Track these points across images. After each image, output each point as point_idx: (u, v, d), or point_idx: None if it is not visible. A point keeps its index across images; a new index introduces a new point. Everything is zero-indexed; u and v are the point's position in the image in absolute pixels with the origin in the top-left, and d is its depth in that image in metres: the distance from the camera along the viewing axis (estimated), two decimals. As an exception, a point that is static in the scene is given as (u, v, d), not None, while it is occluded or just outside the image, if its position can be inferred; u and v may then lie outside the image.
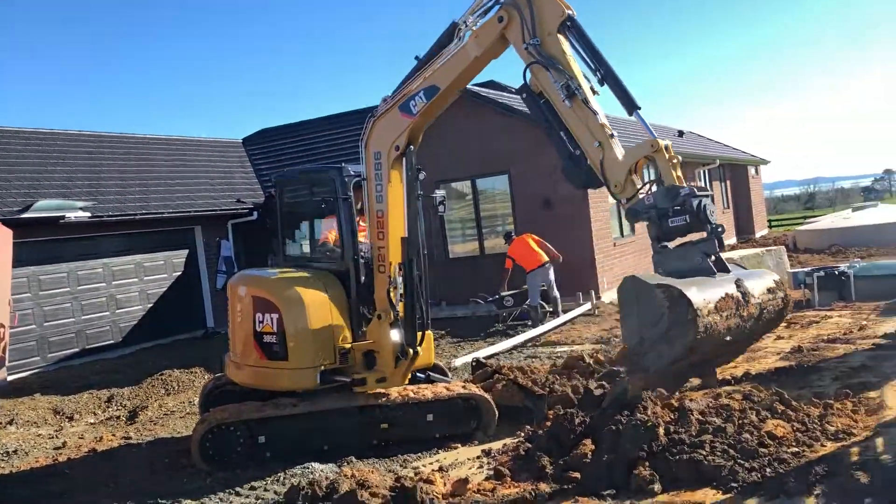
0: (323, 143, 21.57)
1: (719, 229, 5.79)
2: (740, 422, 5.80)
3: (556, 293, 13.92)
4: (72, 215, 14.17)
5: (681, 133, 21.88)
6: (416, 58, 7.12)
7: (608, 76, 6.14)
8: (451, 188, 17.05)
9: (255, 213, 17.95)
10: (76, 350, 14.79)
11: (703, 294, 5.51)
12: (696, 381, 8.21)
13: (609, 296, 15.80)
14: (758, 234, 30.33)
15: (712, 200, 5.95)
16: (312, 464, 6.65)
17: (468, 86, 16.64)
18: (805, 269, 13.81)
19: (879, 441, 5.58)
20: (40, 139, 17.98)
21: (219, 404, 7.43)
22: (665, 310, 5.16)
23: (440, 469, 6.40)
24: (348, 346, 7.12)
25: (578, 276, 15.23)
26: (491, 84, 20.26)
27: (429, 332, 7.57)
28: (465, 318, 15.09)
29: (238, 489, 6.27)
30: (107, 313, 15.51)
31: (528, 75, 6.37)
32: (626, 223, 17.95)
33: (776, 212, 61.17)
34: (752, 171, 31.70)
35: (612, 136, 6.09)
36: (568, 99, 6.12)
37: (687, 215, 5.64)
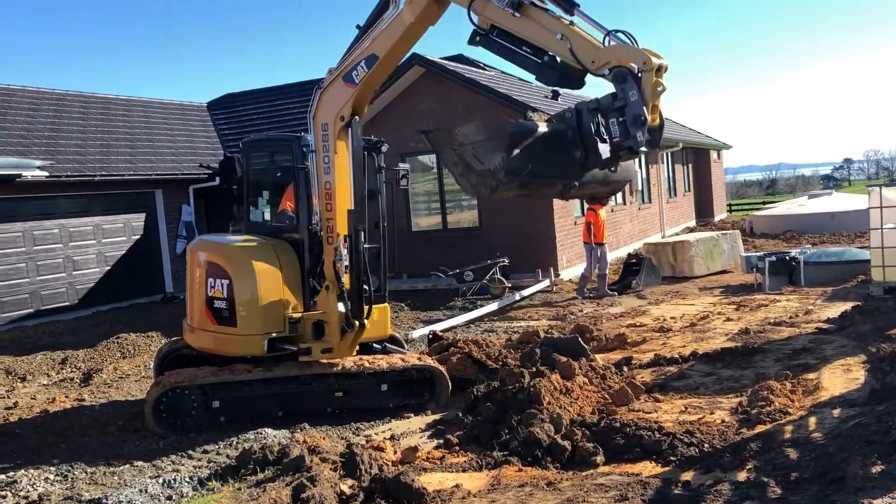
0: (288, 111, 21.38)
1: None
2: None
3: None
4: (28, 174, 13.90)
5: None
6: (358, 26, 6.97)
7: None
8: (417, 161, 17.06)
9: (217, 178, 17.80)
10: (30, 311, 14.60)
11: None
12: (645, 359, 8.48)
13: (568, 273, 16.05)
14: (717, 218, 30.86)
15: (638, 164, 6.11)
16: (266, 429, 6.73)
17: (436, 59, 16.73)
18: (757, 254, 14.17)
19: (812, 420, 5.84)
20: (-3, 95, 17.55)
21: (174, 368, 7.46)
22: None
23: (391, 437, 6.53)
24: (298, 315, 7.17)
25: (538, 253, 15.43)
26: (460, 58, 20.22)
27: (385, 305, 7.68)
28: (425, 291, 15.20)
29: (191, 452, 6.33)
30: (63, 275, 15.31)
31: (475, 18, 6.02)
32: (587, 203, 18.14)
33: (738, 196, 62.20)
34: (714, 155, 32.15)
35: (571, 23, 5.66)
36: (517, 10, 5.75)
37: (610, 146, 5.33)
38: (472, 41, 6.22)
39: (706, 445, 5.45)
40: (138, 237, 17.03)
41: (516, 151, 5.40)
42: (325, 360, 7.21)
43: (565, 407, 6.24)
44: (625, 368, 8.00)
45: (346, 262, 7.00)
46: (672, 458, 5.31)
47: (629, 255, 15.83)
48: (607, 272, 14.14)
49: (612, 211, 19.65)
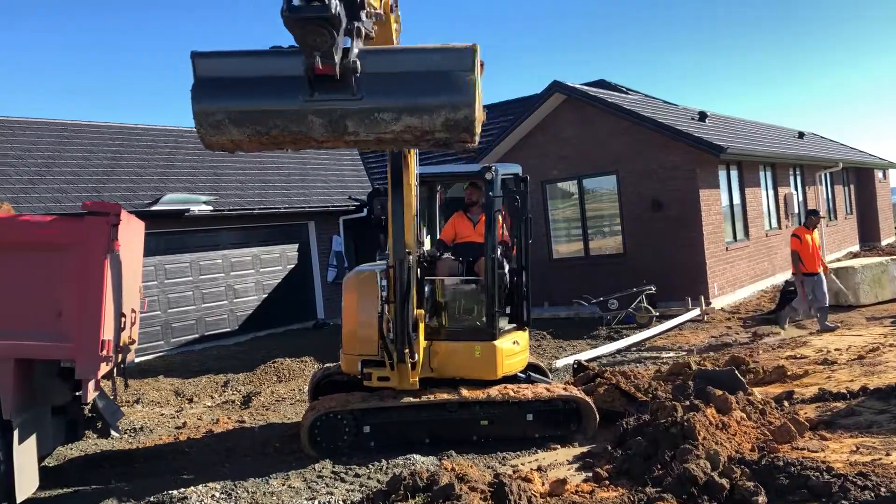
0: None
1: None
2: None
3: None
4: (195, 208, 15.01)
5: (801, 135, 20.93)
6: None
7: None
8: (557, 188, 17.00)
9: (365, 209, 18.46)
10: (196, 336, 15.67)
11: None
12: (808, 393, 7.95)
13: (720, 301, 15.38)
14: (884, 242, 28.61)
15: None
16: (414, 455, 6.83)
17: (577, 85, 16.63)
18: (935, 281, 12.99)
19: None
20: (169, 135, 19.11)
21: (326, 393, 7.76)
22: None
23: (539, 468, 6.45)
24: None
25: (688, 281, 14.89)
26: (601, 83, 20.03)
27: (492, 343, 7.41)
28: (567, 320, 15.02)
29: (343, 476, 6.52)
30: (225, 302, 16.35)
31: None
32: (739, 226, 17.38)
33: (907, 218, 57.39)
34: (878, 174, 29.93)
35: None
36: None
37: None
38: None
39: (883, 490, 5.00)
40: (293, 266, 17.93)
41: (203, 88, 4.58)
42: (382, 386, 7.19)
43: (722, 443, 5.95)
44: (785, 403, 7.53)
45: (384, 293, 6.90)
46: (843, 502, 4.92)
47: (786, 282, 14.95)
48: (826, 304, 12.11)
49: (786, 227, 18.68)
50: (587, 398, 7.50)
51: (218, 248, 16.33)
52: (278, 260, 17.68)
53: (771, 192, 19.44)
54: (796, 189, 21.24)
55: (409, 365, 6.98)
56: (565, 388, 7.65)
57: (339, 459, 6.93)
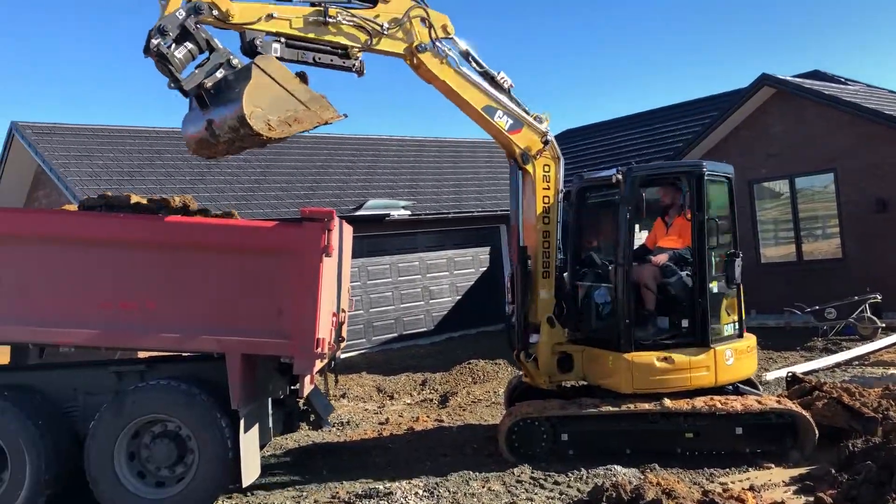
0: (625, 143, 21.36)
1: None
2: None
3: None
4: (395, 213, 15.64)
5: None
6: None
7: None
8: (764, 188, 15.93)
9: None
10: (394, 335, 16.31)
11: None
12: None
13: (958, 312, 13.68)
14: None
15: None
16: (615, 466, 6.63)
17: (788, 78, 15.53)
18: None
19: None
20: (370, 144, 20.08)
21: (522, 400, 7.74)
22: None
23: (751, 488, 6.03)
24: None
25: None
26: (815, 74, 18.60)
27: (623, 354, 7.10)
28: (777, 329, 14.00)
29: (542, 482, 6.47)
30: (421, 303, 16.89)
31: None
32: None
33: None
34: None
35: None
36: None
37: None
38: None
39: None
40: (484, 269, 18.19)
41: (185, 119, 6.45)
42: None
43: (973, 474, 5.25)
44: None
45: (508, 296, 7.76)
46: None
47: None
48: None
49: None
50: (804, 412, 6.93)
51: (415, 251, 16.91)
52: (471, 262, 17.99)
53: None
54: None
55: (532, 364, 7.53)
56: (778, 401, 7.12)
57: (537, 465, 6.88)
